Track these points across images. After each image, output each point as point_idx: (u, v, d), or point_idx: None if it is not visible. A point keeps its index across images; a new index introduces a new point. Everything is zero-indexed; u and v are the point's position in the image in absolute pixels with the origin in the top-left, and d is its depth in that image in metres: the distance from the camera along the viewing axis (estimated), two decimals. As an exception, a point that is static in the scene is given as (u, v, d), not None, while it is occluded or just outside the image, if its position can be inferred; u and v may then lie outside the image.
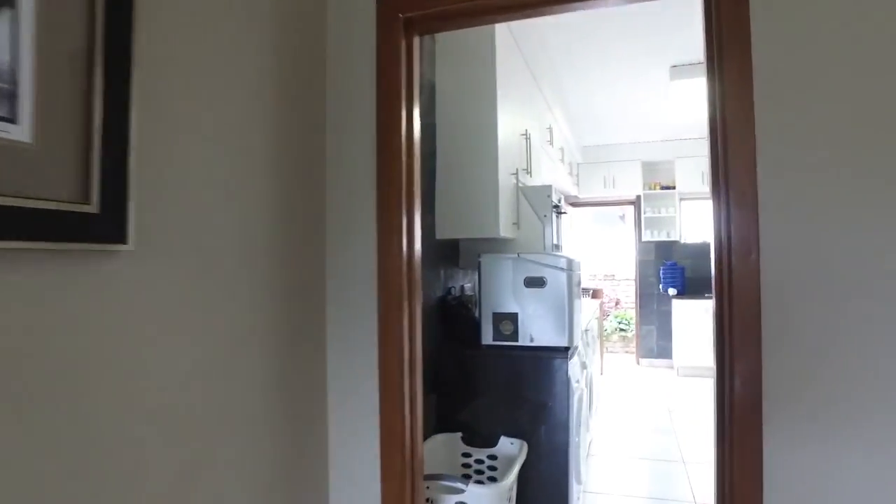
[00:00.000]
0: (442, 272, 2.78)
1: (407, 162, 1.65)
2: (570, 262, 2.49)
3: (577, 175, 6.77)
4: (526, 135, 3.20)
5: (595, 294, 6.47)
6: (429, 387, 2.58)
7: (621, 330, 8.22)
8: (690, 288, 6.56)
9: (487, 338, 2.56)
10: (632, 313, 8.15)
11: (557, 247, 3.17)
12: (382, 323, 1.65)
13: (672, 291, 6.33)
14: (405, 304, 1.63)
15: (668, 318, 6.75)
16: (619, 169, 6.67)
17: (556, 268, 2.45)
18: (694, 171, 6.42)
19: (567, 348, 2.45)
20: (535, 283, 2.47)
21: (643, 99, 4.89)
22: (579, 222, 10.61)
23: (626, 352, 8.03)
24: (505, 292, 2.53)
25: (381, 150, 1.65)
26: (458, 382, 2.57)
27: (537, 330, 2.47)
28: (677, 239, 6.64)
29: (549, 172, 4.58)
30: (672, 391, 5.50)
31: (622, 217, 13.39)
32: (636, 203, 6.89)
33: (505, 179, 2.71)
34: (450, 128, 2.68)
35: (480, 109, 2.62)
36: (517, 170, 2.89)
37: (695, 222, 6.95)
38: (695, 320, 6.09)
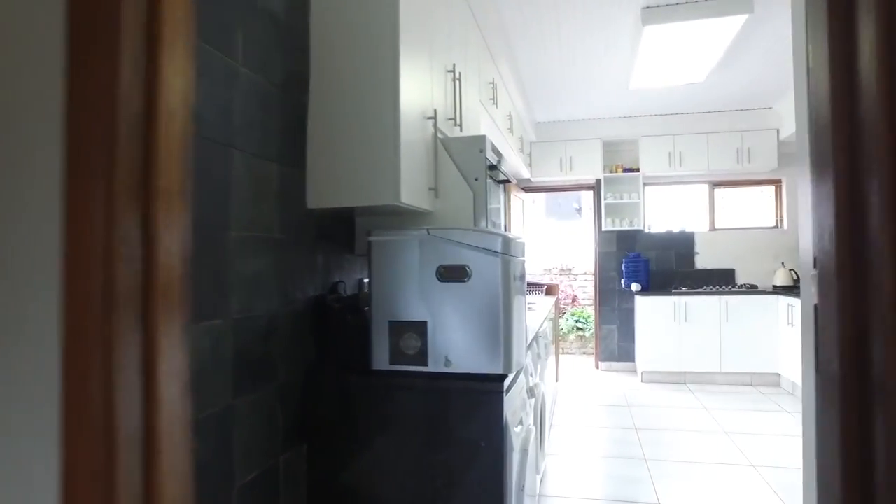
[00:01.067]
0: (320, 260, 1.87)
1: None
2: (507, 242, 1.62)
3: (530, 154, 5.95)
4: (453, 72, 2.32)
5: (550, 290, 5.68)
6: (293, 437, 1.66)
7: (578, 329, 7.48)
8: (655, 283, 5.84)
9: (381, 360, 1.66)
10: (590, 311, 7.43)
11: (498, 227, 2.31)
12: (69, 364, 0.72)
13: (635, 287, 5.60)
14: (129, 330, 0.70)
15: (630, 316, 6.02)
16: (577, 149, 5.89)
17: (485, 251, 1.58)
18: (660, 151, 5.70)
19: (502, 377, 1.58)
20: (454, 274, 1.59)
21: (605, 57, 4.09)
22: (532, 214, 9.89)
23: (584, 353, 7.30)
24: (408, 290, 1.64)
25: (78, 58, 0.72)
26: (339, 427, 1.67)
27: (457, 348, 1.59)
28: (641, 228, 5.91)
29: (493, 135, 3.72)
30: (637, 402, 4.74)
31: (578, 210, 12.78)
32: (596, 188, 6.13)
33: (413, 124, 1.82)
34: (328, 44, 1.76)
35: (374, 17, 1.71)
36: (435, 113, 2.00)
37: (660, 209, 6.25)
38: (661, 319, 5.37)
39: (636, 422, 4.17)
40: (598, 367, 6.20)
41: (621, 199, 5.90)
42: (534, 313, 3.51)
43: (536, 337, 2.92)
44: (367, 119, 1.71)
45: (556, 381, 5.51)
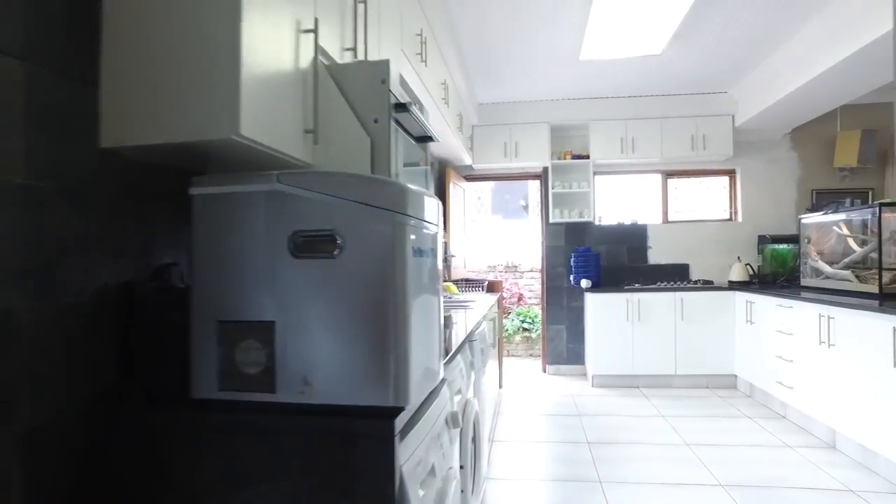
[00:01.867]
0: (132, 231, 1.23)
1: None
2: (403, 194, 1.03)
3: (472, 138, 5.41)
4: (354, -15, 1.72)
5: (492, 287, 5.16)
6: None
7: (525, 329, 7.01)
8: (606, 279, 5.41)
9: (206, 384, 1.04)
10: (538, 310, 6.97)
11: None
12: None
13: (585, 283, 5.14)
14: None
15: (580, 315, 5.57)
16: (523, 133, 5.39)
17: (366, 208, 0.98)
18: (611, 136, 5.27)
19: (394, 411, 0.99)
20: (316, 246, 0.99)
21: (554, 21, 3.58)
22: (477, 209, 9.37)
23: (531, 355, 6.83)
24: (247, 271, 1.03)
25: None
26: (141, 493, 1.04)
27: (322, 366, 0.99)
28: (591, 220, 5.47)
29: (423, 102, 3.14)
30: (589, 411, 4.26)
31: (525, 207, 12.39)
32: (543, 176, 5.64)
33: (274, 31, 1.21)
34: None
35: None
36: (317, 25, 1.39)
37: (611, 200, 5.83)
38: (612, 318, 4.93)
39: (588, 434, 3.68)
40: (545, 371, 5.71)
41: (570, 188, 5.43)
42: (471, 311, 2.96)
43: (470, 341, 2.35)
44: (193, 11, 1.09)
45: (500, 387, 4.99)
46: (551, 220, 5.52)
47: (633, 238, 5.54)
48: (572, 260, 5.36)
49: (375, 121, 1.44)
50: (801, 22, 3.72)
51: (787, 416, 3.98)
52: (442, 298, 1.29)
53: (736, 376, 4.83)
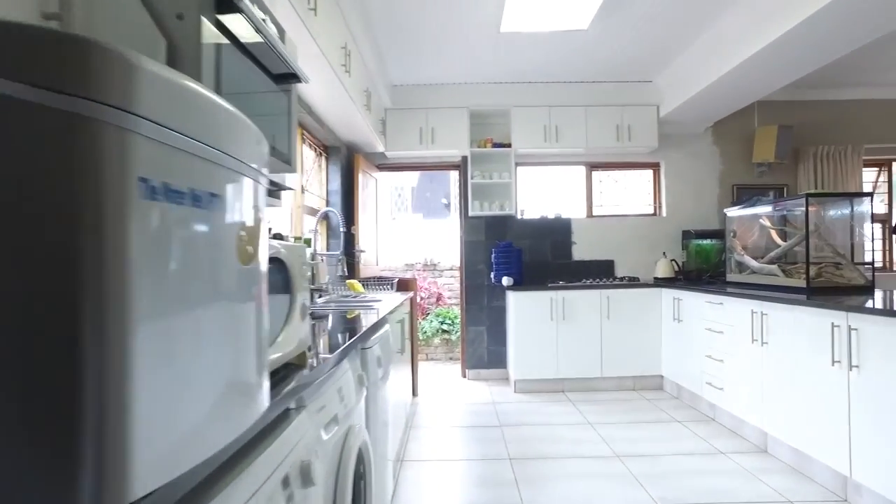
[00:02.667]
0: None
1: None
2: (128, 66, 0.51)
3: (384, 121, 4.91)
4: None
5: (404, 285, 4.68)
6: None
7: (444, 331, 6.58)
8: (529, 276, 5.08)
9: None
10: (458, 311, 6.56)
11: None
12: None
13: (507, 281, 4.77)
14: None
15: (501, 315, 5.20)
16: (441, 118, 4.95)
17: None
18: (534, 124, 4.94)
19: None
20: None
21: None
22: (396, 207, 8.85)
23: (451, 359, 6.41)
24: None
25: None
26: None
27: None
28: (513, 213, 5.11)
29: (313, 66, 2.61)
30: (511, 420, 3.87)
31: (447, 205, 12.02)
32: (462, 166, 5.23)
33: None
34: None
35: None
36: None
37: (534, 193, 5.51)
38: (536, 318, 4.58)
39: (510, 449, 3.27)
40: (465, 376, 5.30)
41: (491, 178, 5.05)
42: (372, 314, 2.46)
43: (363, 349, 1.85)
44: None
45: (414, 395, 4.52)
46: (471, 213, 5.12)
47: (556, 233, 5.24)
48: (493, 256, 4.97)
49: (179, 17, 0.92)
50: (720, 10, 3.57)
51: (716, 418, 3.76)
52: (265, 288, 0.78)
53: (662, 377, 4.61)
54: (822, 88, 5.19)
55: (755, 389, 3.20)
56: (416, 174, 11.68)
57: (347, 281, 3.65)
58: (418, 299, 6.95)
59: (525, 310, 4.61)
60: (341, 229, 4.17)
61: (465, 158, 5.13)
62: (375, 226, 5.11)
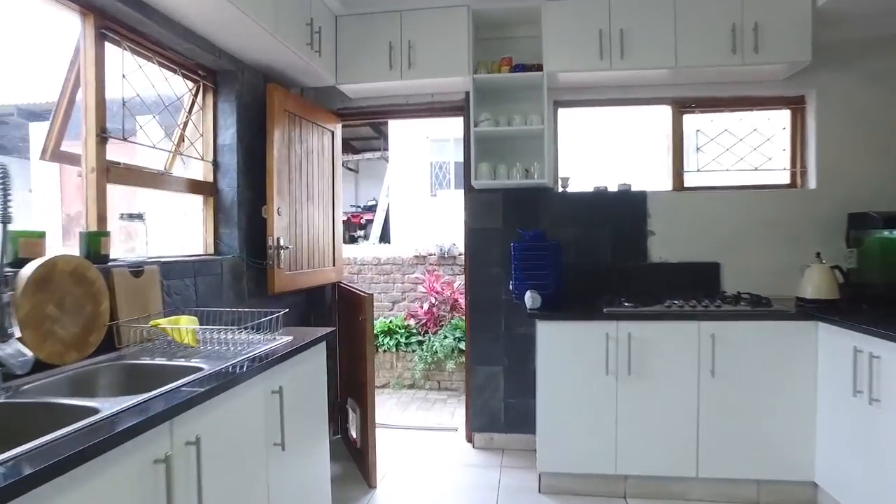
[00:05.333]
0: None
1: None
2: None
3: (335, 39, 2.97)
4: None
5: (354, 304, 2.79)
6: None
7: (461, 351, 4.66)
8: (573, 291, 3.04)
9: None
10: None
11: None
12: None
13: (532, 301, 2.74)
14: None
15: (528, 347, 3.23)
16: (424, 26, 2.97)
17: None
18: (582, 32, 2.85)
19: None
20: None
21: None
22: (426, 182, 6.85)
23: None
24: None
25: None
26: None
27: None
28: (548, 183, 3.06)
29: None
30: None
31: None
32: (463, 108, 3.23)
33: None
34: None
35: None
36: None
37: (584, 150, 3.42)
38: (582, 370, 2.58)
39: None
40: (470, 441, 3.38)
41: (510, 125, 3.03)
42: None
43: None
44: None
45: (371, 487, 2.67)
46: (477, 184, 3.12)
47: (621, 217, 3.16)
48: (512, 255, 2.97)
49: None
50: None
51: None
52: None
53: (816, 486, 2.50)
54: None
55: None
56: (459, 141, 9.43)
57: (174, 318, 1.81)
58: (426, 307, 5.07)
59: (562, 353, 2.61)
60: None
61: (467, 95, 3.12)
62: (332, 207, 3.25)
